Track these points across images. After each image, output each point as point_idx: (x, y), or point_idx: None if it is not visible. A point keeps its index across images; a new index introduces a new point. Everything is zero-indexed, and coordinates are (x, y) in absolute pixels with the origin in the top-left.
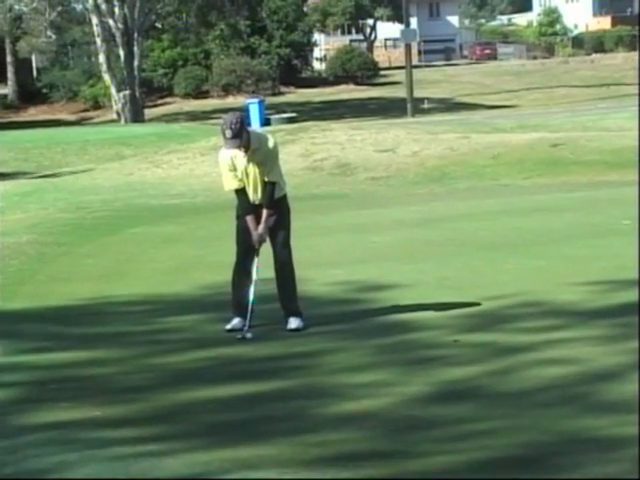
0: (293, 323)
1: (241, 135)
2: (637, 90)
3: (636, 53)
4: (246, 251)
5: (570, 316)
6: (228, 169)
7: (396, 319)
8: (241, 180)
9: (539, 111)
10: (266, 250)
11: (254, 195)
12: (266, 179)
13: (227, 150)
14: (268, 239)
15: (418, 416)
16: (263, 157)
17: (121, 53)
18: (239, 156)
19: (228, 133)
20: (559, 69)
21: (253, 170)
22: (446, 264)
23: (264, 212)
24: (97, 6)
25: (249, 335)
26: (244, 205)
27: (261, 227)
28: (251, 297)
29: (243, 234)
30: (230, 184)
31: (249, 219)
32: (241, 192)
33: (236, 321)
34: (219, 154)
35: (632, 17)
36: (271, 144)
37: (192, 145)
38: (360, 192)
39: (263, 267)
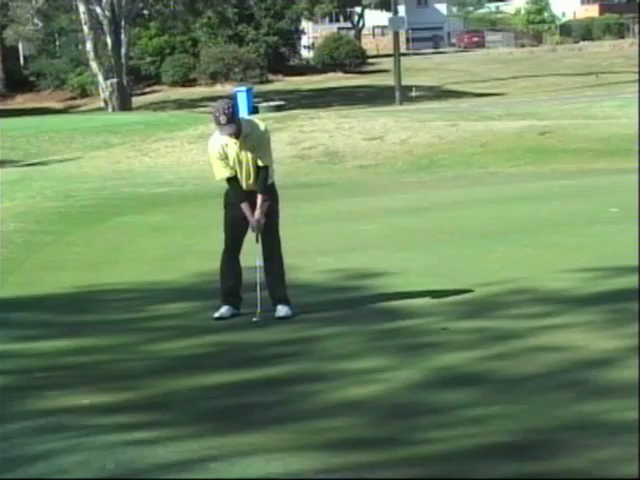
0: (282, 311)
1: (235, 120)
2: (626, 78)
3: (624, 41)
4: (234, 239)
5: (560, 303)
6: (219, 158)
7: (386, 307)
8: (232, 168)
9: (527, 99)
10: (251, 238)
11: (247, 182)
12: (260, 164)
13: (217, 139)
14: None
15: (409, 403)
16: (256, 142)
17: (108, 41)
18: (230, 144)
19: (223, 119)
20: (547, 57)
21: (246, 157)
22: (435, 252)
23: (259, 197)
24: None
25: (255, 319)
26: (237, 193)
27: (257, 213)
28: (258, 283)
29: (232, 223)
30: (221, 173)
31: (244, 207)
32: (233, 181)
33: (224, 309)
34: (208, 144)
35: (620, 5)
36: (262, 128)
37: (180, 133)
38: (348, 180)
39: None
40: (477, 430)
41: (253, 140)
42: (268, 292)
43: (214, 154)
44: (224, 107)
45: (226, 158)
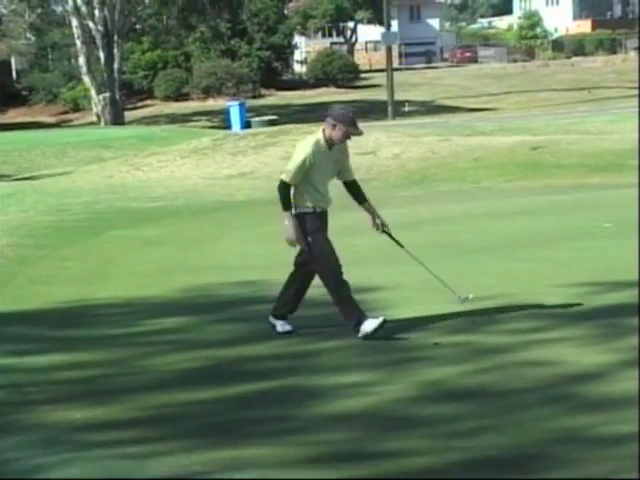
0: (287, 325)
1: None
2: (619, 93)
3: (616, 56)
4: (336, 258)
5: (552, 318)
6: (308, 162)
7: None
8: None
9: (520, 114)
10: (245, 251)
11: (323, 195)
12: (350, 178)
13: (316, 142)
14: (298, 245)
15: (401, 417)
16: (342, 155)
17: (101, 55)
18: (323, 153)
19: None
20: (539, 72)
21: (329, 168)
22: (429, 267)
23: (366, 204)
24: (77, 8)
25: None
26: (288, 197)
27: (378, 220)
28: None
29: (328, 244)
30: (296, 177)
31: (287, 215)
32: (289, 189)
33: (373, 319)
34: (306, 143)
35: (612, 20)
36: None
37: (172, 148)
38: (341, 195)
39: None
40: (469, 444)
41: (339, 153)
42: (285, 306)
43: (306, 156)
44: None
45: (313, 165)
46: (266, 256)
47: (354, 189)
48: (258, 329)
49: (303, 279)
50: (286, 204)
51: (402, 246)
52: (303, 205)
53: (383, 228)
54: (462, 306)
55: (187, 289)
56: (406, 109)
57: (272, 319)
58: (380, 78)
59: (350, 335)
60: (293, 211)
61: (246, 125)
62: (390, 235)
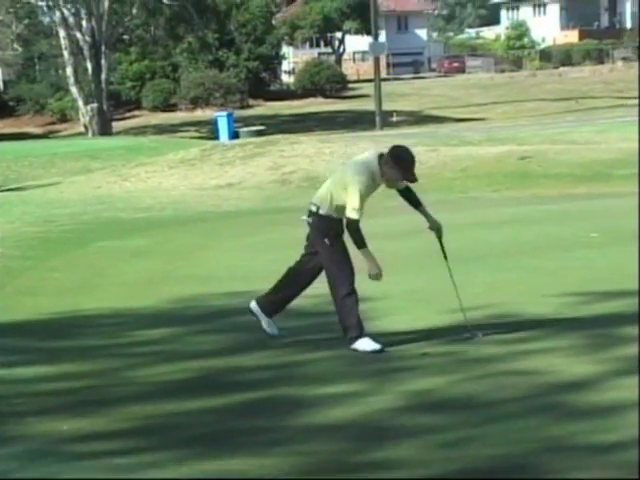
0: (275, 328)
1: None
2: (606, 103)
3: (603, 66)
4: (352, 269)
5: (541, 327)
6: (368, 192)
7: (368, 331)
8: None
9: (507, 124)
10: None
11: None
12: (403, 186)
13: (371, 167)
14: (310, 249)
15: (389, 427)
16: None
17: (89, 66)
18: (374, 180)
19: None
20: (527, 82)
21: (374, 189)
22: (416, 276)
23: (422, 206)
24: (64, 19)
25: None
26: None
27: (434, 220)
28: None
29: (346, 254)
30: (359, 211)
31: (367, 252)
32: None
33: (372, 341)
34: (362, 174)
35: (599, 31)
36: None
37: (160, 158)
38: None
39: None
40: (457, 454)
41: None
42: (274, 306)
43: (365, 187)
44: None
45: (367, 193)
46: (254, 266)
47: (408, 195)
48: (246, 340)
49: (300, 286)
50: (363, 241)
51: (446, 258)
52: (331, 211)
53: (437, 232)
54: (451, 317)
55: (175, 300)
56: (394, 119)
57: (257, 308)
58: (368, 88)
59: (338, 345)
60: (314, 209)
61: (234, 135)
62: (440, 241)
